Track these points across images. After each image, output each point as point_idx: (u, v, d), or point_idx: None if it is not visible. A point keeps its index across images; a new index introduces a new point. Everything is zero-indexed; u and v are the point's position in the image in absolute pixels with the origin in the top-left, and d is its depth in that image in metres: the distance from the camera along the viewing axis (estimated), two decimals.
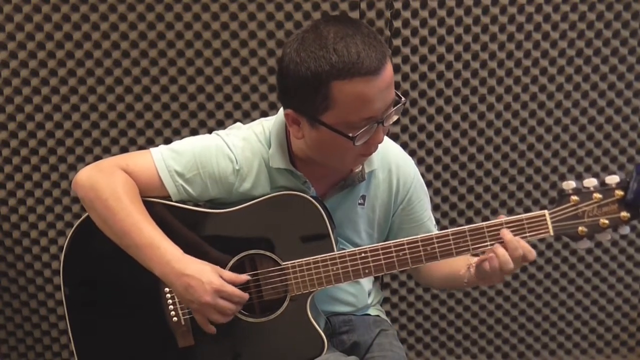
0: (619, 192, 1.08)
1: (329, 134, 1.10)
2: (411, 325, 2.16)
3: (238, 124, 1.33)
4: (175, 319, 1.24)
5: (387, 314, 1.66)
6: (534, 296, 2.14)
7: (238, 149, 1.24)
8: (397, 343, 1.39)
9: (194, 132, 1.97)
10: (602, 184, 1.09)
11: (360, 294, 1.40)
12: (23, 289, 2.07)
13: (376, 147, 1.17)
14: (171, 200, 1.23)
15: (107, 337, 1.28)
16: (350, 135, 1.08)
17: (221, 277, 1.15)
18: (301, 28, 1.12)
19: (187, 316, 1.24)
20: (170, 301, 1.24)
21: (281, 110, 1.28)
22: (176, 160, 1.22)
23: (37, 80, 1.90)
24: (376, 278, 1.52)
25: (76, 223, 1.26)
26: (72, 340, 1.28)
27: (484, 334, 2.18)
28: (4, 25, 1.86)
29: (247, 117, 1.96)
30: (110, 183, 1.17)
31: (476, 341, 2.18)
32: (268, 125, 1.28)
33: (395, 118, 1.15)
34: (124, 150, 1.97)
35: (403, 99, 1.12)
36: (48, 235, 2.02)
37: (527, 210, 2.06)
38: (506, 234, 1.13)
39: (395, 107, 1.12)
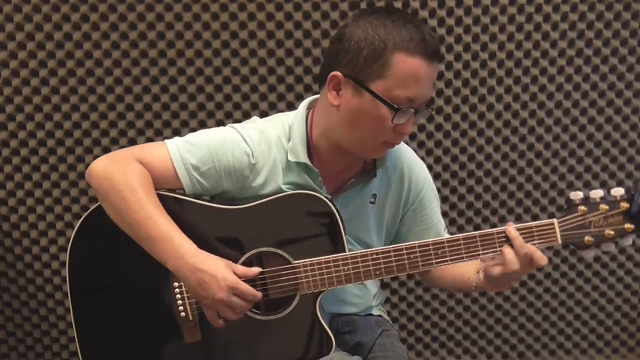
0: (624, 204, 1.12)
1: (372, 103, 1.12)
2: (411, 325, 2.16)
3: (254, 117, 1.33)
4: (183, 314, 1.23)
5: (387, 314, 1.65)
6: (534, 296, 2.14)
7: (254, 142, 1.23)
8: (398, 343, 1.39)
9: (205, 129, 1.96)
10: (609, 195, 1.13)
11: (366, 295, 1.40)
12: (23, 289, 2.07)
13: (400, 139, 1.20)
14: (184, 193, 1.23)
15: (113, 331, 1.27)
16: (395, 106, 1.11)
17: (234, 272, 1.15)
18: (359, 10, 1.19)
19: (196, 312, 1.23)
20: (179, 296, 1.23)
21: (302, 105, 1.28)
22: (192, 152, 1.21)
23: (37, 80, 1.90)
24: (380, 279, 1.52)
25: (82, 218, 1.25)
26: (76, 335, 1.27)
27: (484, 334, 2.18)
28: (4, 25, 1.86)
29: (247, 117, 1.94)
30: (125, 174, 1.16)
31: (476, 341, 2.19)
32: (288, 120, 1.28)
33: (421, 120, 1.21)
34: None
35: (432, 106, 1.17)
36: (48, 235, 2.02)
37: (527, 210, 2.06)
38: (511, 231, 1.14)
39: (426, 108, 1.17)
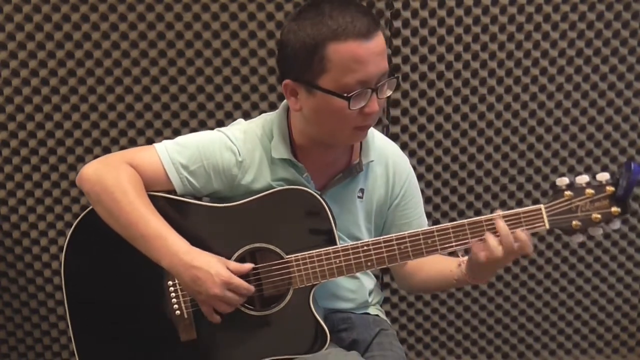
0: (610, 188, 1.12)
1: (325, 99, 1.13)
2: (411, 325, 2.16)
3: (240, 119, 1.36)
4: (178, 312, 1.24)
5: (387, 314, 1.65)
6: (534, 296, 2.14)
7: (240, 141, 1.26)
8: (396, 343, 1.40)
9: (194, 132, 1.97)
10: (594, 180, 1.14)
11: (360, 290, 1.40)
12: (23, 289, 2.07)
13: (372, 120, 1.19)
14: (175, 195, 1.24)
15: (108, 331, 1.28)
16: (345, 95, 1.11)
17: (227, 267, 1.17)
18: (298, 7, 1.19)
19: (190, 309, 1.24)
20: (173, 294, 1.24)
21: (283, 103, 1.30)
22: (180, 153, 1.24)
23: (37, 80, 1.90)
24: (377, 277, 1.52)
25: (77, 219, 1.26)
26: (72, 336, 1.28)
27: (484, 334, 2.18)
28: (4, 25, 1.86)
29: (247, 117, 1.93)
30: (116, 177, 1.18)
31: (476, 341, 2.19)
32: (270, 118, 1.31)
33: (389, 93, 1.18)
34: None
35: (396, 74, 1.17)
36: (48, 235, 2.03)
37: None
38: (500, 222, 1.14)
39: (388, 79, 1.15)
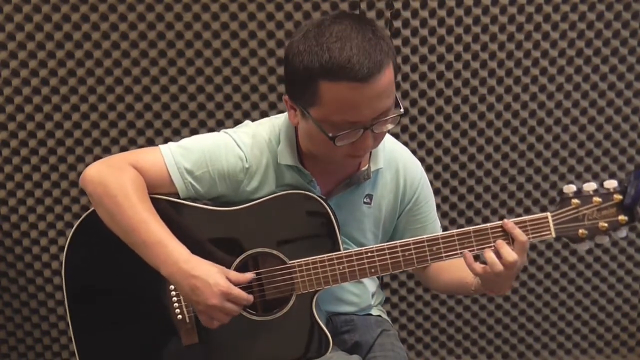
0: (618, 196, 1.11)
1: (315, 127, 1.11)
2: (411, 325, 2.16)
3: (247, 121, 1.33)
4: (179, 316, 1.24)
5: (388, 314, 1.65)
6: (534, 296, 2.14)
7: (247, 147, 1.24)
8: (398, 344, 1.39)
9: (194, 132, 1.96)
10: (601, 188, 1.13)
11: (364, 294, 1.40)
12: (23, 289, 2.07)
13: (365, 151, 1.16)
14: (178, 197, 1.23)
15: (110, 334, 1.27)
16: (330, 135, 1.08)
17: (227, 277, 1.15)
18: (310, 20, 1.13)
19: (192, 314, 1.24)
20: (175, 299, 1.23)
21: None
22: (185, 157, 1.21)
23: (37, 80, 1.90)
24: (379, 279, 1.52)
25: (78, 221, 1.25)
26: (73, 339, 1.27)
27: (484, 334, 2.18)
28: (4, 25, 1.86)
29: (247, 117, 1.96)
30: (119, 179, 1.16)
31: (476, 341, 2.19)
32: (278, 122, 1.28)
33: (390, 127, 1.13)
34: (124, 150, 1.97)
35: (401, 110, 1.11)
36: (48, 235, 2.02)
37: (527, 210, 2.06)
38: (507, 223, 1.14)
39: (390, 117, 1.10)
